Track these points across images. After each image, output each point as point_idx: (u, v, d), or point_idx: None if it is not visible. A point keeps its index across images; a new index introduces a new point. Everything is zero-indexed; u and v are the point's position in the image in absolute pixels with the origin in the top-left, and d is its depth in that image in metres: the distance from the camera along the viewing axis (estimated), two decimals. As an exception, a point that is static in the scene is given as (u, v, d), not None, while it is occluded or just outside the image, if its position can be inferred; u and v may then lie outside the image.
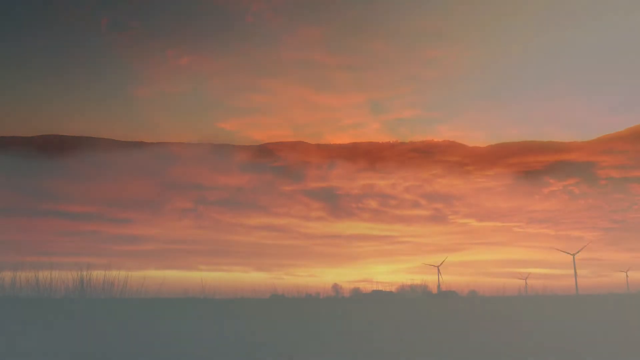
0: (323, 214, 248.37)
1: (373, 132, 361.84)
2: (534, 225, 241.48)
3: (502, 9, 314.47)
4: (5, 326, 23.03)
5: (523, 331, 26.44)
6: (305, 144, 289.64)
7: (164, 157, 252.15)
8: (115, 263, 30.55)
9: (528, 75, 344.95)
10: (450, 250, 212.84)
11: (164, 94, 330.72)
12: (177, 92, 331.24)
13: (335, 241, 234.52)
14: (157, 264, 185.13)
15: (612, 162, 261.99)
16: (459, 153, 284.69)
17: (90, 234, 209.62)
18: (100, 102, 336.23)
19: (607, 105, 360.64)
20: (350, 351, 21.39)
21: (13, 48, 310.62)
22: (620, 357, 21.17)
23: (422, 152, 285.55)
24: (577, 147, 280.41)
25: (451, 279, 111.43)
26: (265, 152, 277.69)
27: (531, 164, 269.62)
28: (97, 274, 29.74)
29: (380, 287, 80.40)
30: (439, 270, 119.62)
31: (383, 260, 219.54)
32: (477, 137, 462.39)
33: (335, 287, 79.11)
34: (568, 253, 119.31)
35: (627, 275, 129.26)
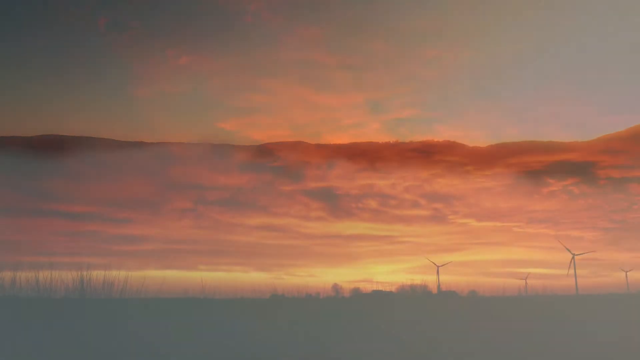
0: (323, 214, 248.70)
1: (372, 132, 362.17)
2: (533, 225, 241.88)
3: (502, 8, 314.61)
4: (5, 326, 23.01)
5: (523, 331, 26.43)
6: (305, 144, 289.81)
7: (163, 157, 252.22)
8: (115, 263, 30.50)
9: (528, 75, 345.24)
10: (450, 250, 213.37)
11: (164, 94, 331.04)
12: (177, 92, 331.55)
13: (335, 241, 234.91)
14: (157, 264, 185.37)
15: (611, 162, 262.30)
16: (458, 153, 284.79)
17: (90, 234, 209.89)
18: (100, 102, 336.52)
19: (607, 105, 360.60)
20: (351, 351, 21.40)
21: (13, 48, 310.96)
22: (620, 357, 21.17)
23: (421, 152, 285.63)
24: (576, 147, 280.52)
25: (451, 279, 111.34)
26: (264, 152, 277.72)
27: (531, 164, 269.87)
28: (97, 274, 29.70)
29: (380, 287, 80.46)
30: (438, 270, 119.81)
31: (383, 260, 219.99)
32: (477, 137, 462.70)
33: (335, 287, 79.07)
34: (570, 252, 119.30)
35: (627, 275, 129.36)
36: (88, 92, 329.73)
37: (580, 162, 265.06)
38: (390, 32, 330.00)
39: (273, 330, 26.09)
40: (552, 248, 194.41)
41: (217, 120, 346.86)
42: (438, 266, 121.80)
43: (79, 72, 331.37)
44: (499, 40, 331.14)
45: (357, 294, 71.76)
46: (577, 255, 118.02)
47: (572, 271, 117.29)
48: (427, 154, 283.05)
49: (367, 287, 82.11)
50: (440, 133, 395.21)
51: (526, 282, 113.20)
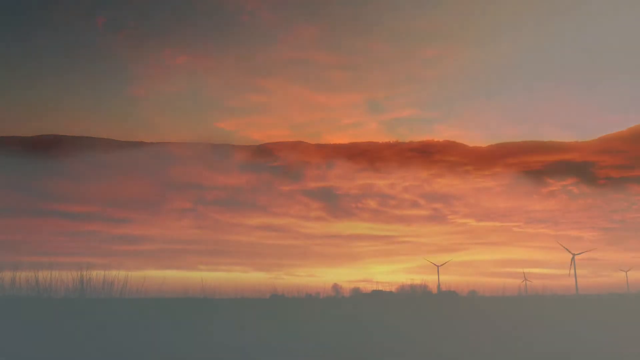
0: (322, 214, 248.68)
1: (371, 131, 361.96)
2: (533, 225, 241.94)
3: (502, 8, 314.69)
4: (5, 326, 23.00)
5: (523, 331, 26.42)
6: (304, 144, 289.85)
7: (163, 157, 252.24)
8: (114, 263, 30.49)
9: (527, 75, 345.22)
10: (449, 250, 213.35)
11: (162, 94, 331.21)
12: (175, 92, 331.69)
13: (334, 241, 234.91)
14: (157, 264, 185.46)
15: (611, 162, 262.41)
16: (458, 153, 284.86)
17: (90, 234, 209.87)
18: (98, 101, 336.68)
19: (607, 105, 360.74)
20: (351, 351, 21.39)
21: (12, 48, 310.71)
22: (620, 357, 21.17)
23: (421, 152, 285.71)
24: (576, 147, 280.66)
25: (451, 279, 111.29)
26: (264, 151, 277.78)
27: (530, 164, 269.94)
28: (97, 274, 29.68)
29: (380, 287, 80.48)
30: (438, 270, 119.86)
31: (383, 260, 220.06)
32: (476, 137, 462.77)
33: (335, 287, 79.09)
34: (569, 252, 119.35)
35: (627, 275, 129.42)
36: (87, 92, 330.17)
37: (580, 162, 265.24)
38: (390, 32, 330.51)
39: (273, 330, 26.08)
40: (551, 248, 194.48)
41: (216, 120, 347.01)
42: (438, 266, 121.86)
43: (77, 71, 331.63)
44: (498, 40, 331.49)
45: (357, 294, 71.74)
46: (576, 255, 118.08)
47: (573, 271, 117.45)
48: (426, 154, 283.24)
49: (367, 287, 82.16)
50: (440, 133, 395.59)
51: (526, 282, 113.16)
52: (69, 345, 20.92)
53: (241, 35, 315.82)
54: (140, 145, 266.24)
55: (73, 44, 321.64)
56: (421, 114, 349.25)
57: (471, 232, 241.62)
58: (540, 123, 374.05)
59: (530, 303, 45.97)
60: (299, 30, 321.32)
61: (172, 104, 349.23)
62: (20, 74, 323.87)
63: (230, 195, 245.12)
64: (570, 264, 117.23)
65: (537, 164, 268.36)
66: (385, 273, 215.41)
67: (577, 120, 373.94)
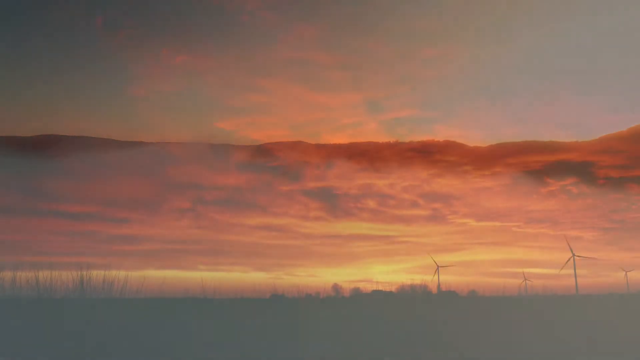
0: (322, 214, 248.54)
1: (370, 131, 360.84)
2: (533, 225, 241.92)
3: (501, 8, 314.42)
4: (5, 326, 22.99)
5: (523, 331, 26.42)
6: (303, 144, 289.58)
7: (162, 157, 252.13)
8: (114, 263, 30.50)
9: (527, 75, 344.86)
10: (449, 250, 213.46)
11: (161, 93, 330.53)
12: (174, 92, 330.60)
13: (334, 241, 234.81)
14: (157, 264, 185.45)
15: (610, 162, 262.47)
16: (457, 153, 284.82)
17: (90, 234, 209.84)
18: (98, 101, 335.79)
19: (607, 105, 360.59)
20: (351, 351, 21.38)
21: (10, 48, 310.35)
22: (620, 357, 21.16)
23: (420, 151, 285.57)
24: (575, 147, 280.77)
25: (451, 279, 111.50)
26: (263, 151, 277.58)
27: (530, 163, 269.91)
28: (97, 274, 29.70)
29: (380, 287, 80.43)
30: (438, 270, 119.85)
31: (382, 260, 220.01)
32: (476, 136, 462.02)
33: (335, 287, 79.03)
34: (572, 252, 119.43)
35: (627, 275, 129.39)
36: (86, 92, 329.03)
37: (579, 162, 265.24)
38: (389, 31, 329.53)
39: (273, 330, 26.07)
40: (551, 248, 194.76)
41: (215, 120, 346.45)
42: (438, 266, 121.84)
43: (76, 71, 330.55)
44: (498, 39, 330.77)
45: (357, 294, 71.72)
46: (576, 256, 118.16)
47: (566, 270, 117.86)
48: (426, 154, 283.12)
49: (367, 287, 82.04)
50: (439, 133, 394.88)
51: (526, 282, 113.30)
52: (69, 345, 20.90)
53: (241, 35, 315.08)
54: (139, 145, 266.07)
55: (72, 43, 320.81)
56: (421, 114, 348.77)
57: (471, 232, 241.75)
58: (540, 123, 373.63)
59: (530, 303, 45.99)
60: (299, 30, 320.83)
61: (172, 103, 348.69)
62: (19, 74, 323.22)
63: (230, 195, 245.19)
64: (567, 262, 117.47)
65: (537, 164, 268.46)
66: (385, 273, 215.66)
67: (577, 120, 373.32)
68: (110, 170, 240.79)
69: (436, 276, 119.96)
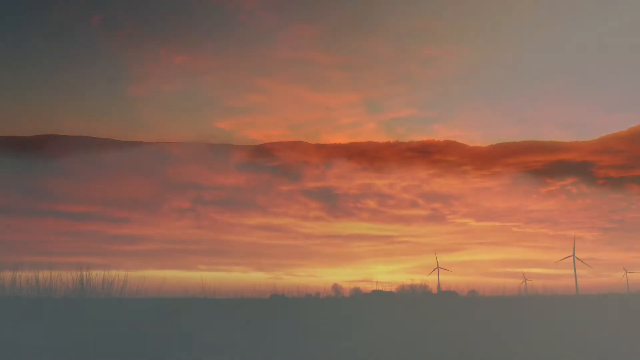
0: (321, 214, 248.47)
1: (369, 131, 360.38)
2: (532, 225, 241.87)
3: (500, 6, 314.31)
4: (5, 326, 22.98)
5: (523, 331, 26.43)
6: (303, 144, 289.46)
7: (161, 157, 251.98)
8: (114, 263, 30.54)
9: (526, 75, 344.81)
10: (449, 250, 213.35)
11: (160, 93, 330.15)
12: (173, 91, 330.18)
13: (334, 241, 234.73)
14: (157, 264, 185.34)
15: (610, 162, 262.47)
16: (456, 153, 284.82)
17: (90, 234, 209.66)
18: (97, 101, 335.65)
19: (607, 105, 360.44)
20: (351, 351, 21.37)
21: (10, 49, 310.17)
22: (620, 357, 21.17)
23: (419, 151, 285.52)
24: (575, 147, 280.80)
25: (451, 279, 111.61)
26: (262, 151, 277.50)
27: (529, 163, 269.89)
28: (97, 274, 29.70)
29: (380, 287, 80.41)
30: (438, 270, 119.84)
31: (382, 260, 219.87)
32: (475, 136, 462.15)
33: (335, 287, 79.01)
34: (568, 257, 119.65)
35: (627, 275, 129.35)
36: (85, 92, 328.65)
37: (579, 162, 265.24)
38: (387, 31, 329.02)
39: (273, 330, 26.08)
40: (551, 248, 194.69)
41: (214, 120, 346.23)
42: (438, 267, 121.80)
43: (75, 71, 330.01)
44: (497, 39, 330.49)
45: (357, 294, 71.73)
46: (576, 258, 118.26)
47: (566, 270, 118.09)
48: (425, 154, 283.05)
49: (367, 287, 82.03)
50: (438, 133, 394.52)
51: (526, 282, 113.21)
52: (69, 345, 20.90)
53: (240, 35, 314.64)
54: (139, 145, 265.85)
55: (71, 44, 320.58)
56: (419, 114, 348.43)
57: (470, 232, 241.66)
58: (540, 123, 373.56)
59: (530, 303, 46.01)
60: (298, 30, 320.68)
61: (171, 103, 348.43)
62: (19, 74, 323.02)
63: (230, 195, 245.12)
64: (564, 258, 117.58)
65: (536, 164, 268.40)
66: (385, 273, 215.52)
67: (577, 120, 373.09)
68: (110, 170, 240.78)
69: (434, 274, 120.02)
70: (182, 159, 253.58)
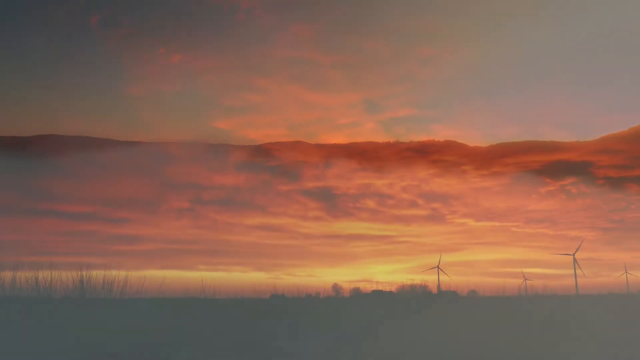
0: (321, 214, 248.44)
1: (368, 131, 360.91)
2: (532, 225, 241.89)
3: (500, 6, 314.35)
4: (5, 326, 22.96)
5: (524, 331, 26.43)
6: (302, 144, 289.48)
7: (160, 157, 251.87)
8: (114, 263, 30.49)
9: (526, 74, 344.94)
10: (449, 250, 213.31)
11: (158, 93, 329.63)
12: (171, 91, 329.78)
13: (333, 241, 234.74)
14: (157, 263, 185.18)
15: (609, 162, 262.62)
16: (456, 152, 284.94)
17: (90, 234, 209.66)
18: (95, 101, 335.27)
19: (607, 105, 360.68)
20: (351, 351, 21.37)
21: (9, 49, 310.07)
22: (621, 357, 21.18)
23: (419, 151, 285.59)
24: (574, 147, 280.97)
25: (451, 279, 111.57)
26: (261, 151, 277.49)
27: (529, 163, 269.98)
28: (97, 274, 29.69)
29: (380, 287, 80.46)
30: (438, 270, 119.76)
31: (382, 260, 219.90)
32: (474, 136, 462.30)
33: (335, 287, 79.09)
34: (567, 254, 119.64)
35: (627, 275, 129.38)
36: (83, 92, 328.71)
37: (578, 161, 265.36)
38: (386, 30, 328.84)
39: (273, 330, 26.07)
40: (551, 248, 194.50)
41: (212, 120, 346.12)
42: (438, 267, 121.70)
43: (74, 71, 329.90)
44: (496, 38, 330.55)
45: (357, 294, 71.76)
46: (574, 253, 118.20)
47: (566, 270, 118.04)
48: (424, 154, 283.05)
49: (367, 287, 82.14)
50: (437, 133, 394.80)
51: (526, 282, 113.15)
52: (69, 345, 20.88)
53: (238, 35, 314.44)
54: (137, 145, 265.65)
55: (69, 43, 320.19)
56: (418, 114, 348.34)
57: (470, 232, 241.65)
58: (540, 123, 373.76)
59: (530, 303, 46.00)
60: (296, 29, 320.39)
61: (169, 103, 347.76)
62: (17, 75, 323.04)
63: (229, 195, 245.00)
64: (574, 265, 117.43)
65: (536, 164, 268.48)
66: (385, 273, 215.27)
67: (577, 120, 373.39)
68: (109, 170, 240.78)
69: (432, 272, 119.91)
70: (181, 159, 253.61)
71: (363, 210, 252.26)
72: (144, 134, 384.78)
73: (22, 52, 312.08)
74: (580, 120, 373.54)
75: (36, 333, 22.12)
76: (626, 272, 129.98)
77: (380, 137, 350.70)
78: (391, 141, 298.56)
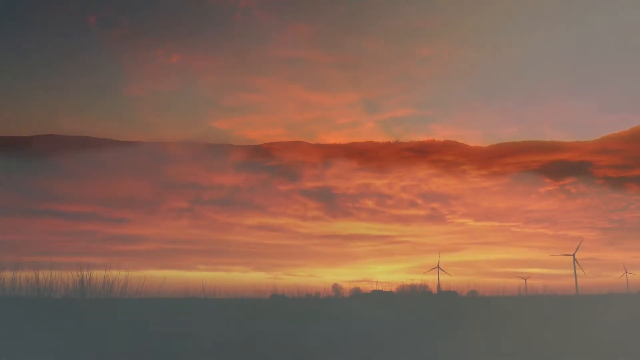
0: (320, 214, 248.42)
1: (367, 131, 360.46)
2: (531, 225, 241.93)
3: (499, 6, 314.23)
4: (5, 326, 22.95)
5: (523, 331, 26.44)
6: (301, 144, 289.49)
7: (159, 157, 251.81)
8: (114, 263, 30.43)
9: (526, 74, 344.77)
10: (448, 250, 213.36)
11: (157, 93, 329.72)
12: (170, 91, 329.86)
13: (333, 241, 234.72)
14: (156, 263, 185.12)
15: (609, 162, 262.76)
16: (455, 152, 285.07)
17: (90, 234, 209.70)
18: (94, 101, 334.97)
19: (607, 105, 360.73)
20: (351, 351, 21.38)
21: (8, 49, 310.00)
22: (621, 357, 21.18)
23: (418, 151, 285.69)
24: (573, 147, 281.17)
25: (451, 279, 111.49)
26: (260, 151, 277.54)
27: (528, 163, 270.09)
28: (97, 274, 29.64)
29: (380, 287, 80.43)
30: (438, 270, 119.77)
31: (382, 260, 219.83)
32: (474, 136, 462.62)
33: (335, 287, 79.07)
34: (567, 254, 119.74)
35: (627, 275, 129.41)
36: (82, 92, 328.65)
37: (578, 161, 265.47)
38: (385, 30, 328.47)
39: (273, 330, 26.06)
40: (550, 248, 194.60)
41: (211, 120, 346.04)
42: (438, 267, 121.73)
43: (72, 71, 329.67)
44: (495, 38, 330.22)
45: (357, 294, 71.73)
46: (574, 254, 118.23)
47: (566, 270, 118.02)
48: (423, 154, 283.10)
49: (367, 287, 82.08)
50: (436, 132, 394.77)
51: (526, 282, 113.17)
52: (69, 345, 20.88)
53: (235, 34, 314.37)
54: (136, 145, 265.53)
55: (67, 43, 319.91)
56: (417, 113, 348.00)
57: (469, 232, 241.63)
58: (540, 123, 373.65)
59: (530, 303, 46.02)
60: (294, 29, 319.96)
61: (168, 103, 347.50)
62: (16, 75, 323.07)
63: (228, 195, 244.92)
64: (574, 265, 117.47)
65: (535, 164, 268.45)
66: (385, 273, 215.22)
67: (577, 120, 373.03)
68: (108, 170, 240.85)
69: (432, 273, 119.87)
70: (181, 159, 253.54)
71: (362, 210, 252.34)
72: (143, 134, 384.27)
73: (22, 52, 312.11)
74: (580, 120, 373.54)
75: (36, 333, 22.11)
76: (626, 272, 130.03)
77: (380, 137, 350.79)
78: (391, 141, 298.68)
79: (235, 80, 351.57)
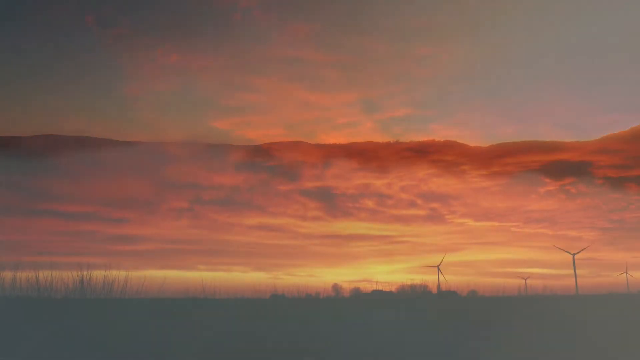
0: (320, 214, 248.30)
1: (367, 131, 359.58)
2: (531, 225, 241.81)
3: (498, 5, 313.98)
4: (5, 326, 22.95)
5: (523, 331, 26.43)
6: (300, 144, 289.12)
7: (158, 156, 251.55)
8: (114, 263, 30.47)
9: (525, 74, 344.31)
10: (448, 250, 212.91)
11: (156, 93, 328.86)
12: (169, 91, 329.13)
13: (333, 241, 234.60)
14: (156, 263, 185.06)
15: (608, 162, 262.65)
16: (455, 152, 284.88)
17: (90, 234, 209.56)
18: (93, 101, 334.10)
19: (607, 105, 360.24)
20: (351, 351, 21.36)
21: (7, 49, 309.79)
22: (621, 357, 21.17)
23: (417, 151, 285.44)
24: (573, 146, 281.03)
25: (451, 279, 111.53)
26: (260, 151, 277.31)
27: (528, 163, 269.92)
28: (97, 274, 29.69)
29: (380, 287, 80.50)
30: (439, 270, 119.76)
31: (382, 260, 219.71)
32: (473, 136, 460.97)
33: (335, 287, 79.17)
34: (569, 252, 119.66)
35: (627, 275, 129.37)
36: (81, 92, 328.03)
37: (578, 161, 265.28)
38: (384, 30, 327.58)
39: (273, 330, 26.05)
40: (551, 248, 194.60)
41: (211, 119, 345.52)
42: (438, 267, 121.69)
43: (72, 71, 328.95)
44: (494, 37, 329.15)
45: (357, 294, 71.80)
46: (575, 254, 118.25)
47: (566, 270, 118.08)
48: (423, 154, 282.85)
49: (367, 287, 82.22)
50: (436, 132, 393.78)
51: (526, 282, 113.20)
52: (69, 345, 20.87)
53: (234, 34, 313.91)
54: (136, 145, 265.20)
55: (65, 43, 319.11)
56: (416, 113, 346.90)
57: (469, 232, 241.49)
58: (539, 123, 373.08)
59: (530, 303, 46.02)
60: (293, 28, 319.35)
61: (167, 103, 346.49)
62: (15, 75, 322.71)
63: (228, 195, 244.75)
64: (573, 265, 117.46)
65: (535, 164, 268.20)
66: (385, 273, 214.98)
67: (577, 120, 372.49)
68: (108, 170, 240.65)
69: (432, 273, 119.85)
70: (180, 159, 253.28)
71: (362, 210, 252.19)
72: (143, 133, 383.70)
73: (22, 52, 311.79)
74: (580, 120, 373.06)
75: (36, 333, 22.11)
76: (626, 272, 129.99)
77: (379, 137, 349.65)
78: (390, 141, 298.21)
79: (234, 80, 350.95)
